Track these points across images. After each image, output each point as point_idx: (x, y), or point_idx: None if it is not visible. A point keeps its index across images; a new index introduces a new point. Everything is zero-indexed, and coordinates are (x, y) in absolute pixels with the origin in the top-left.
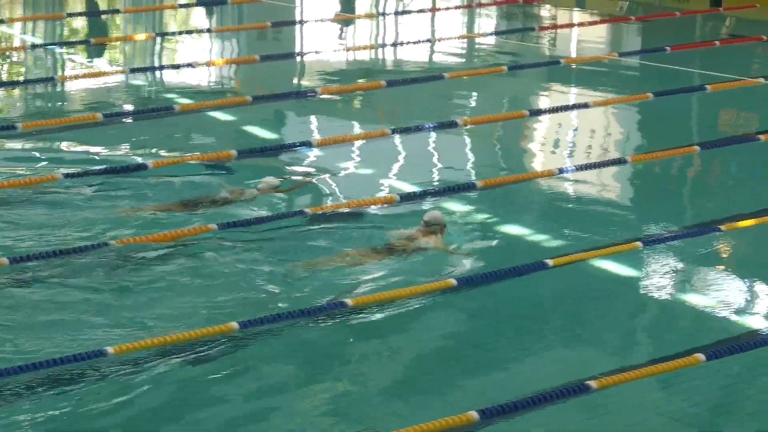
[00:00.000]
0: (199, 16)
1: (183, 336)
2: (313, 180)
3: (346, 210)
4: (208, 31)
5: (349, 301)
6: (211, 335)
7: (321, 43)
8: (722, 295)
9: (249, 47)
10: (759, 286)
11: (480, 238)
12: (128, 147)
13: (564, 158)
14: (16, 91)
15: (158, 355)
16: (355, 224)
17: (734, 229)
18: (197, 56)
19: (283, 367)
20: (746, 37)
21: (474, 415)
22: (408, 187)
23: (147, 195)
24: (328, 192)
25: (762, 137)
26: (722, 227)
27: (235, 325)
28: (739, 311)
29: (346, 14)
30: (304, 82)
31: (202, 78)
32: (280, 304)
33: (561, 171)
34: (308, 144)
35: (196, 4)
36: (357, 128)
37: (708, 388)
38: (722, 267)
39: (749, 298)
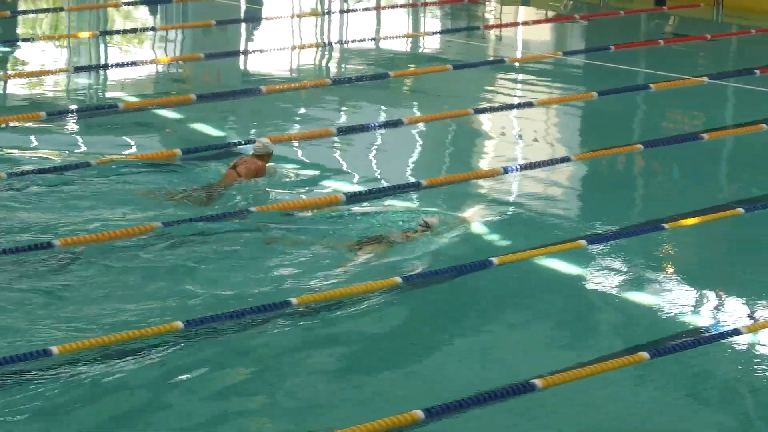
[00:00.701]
0: (143, 14)
1: (128, 335)
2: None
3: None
4: (153, 29)
5: (294, 300)
6: (155, 335)
7: (266, 41)
8: (666, 293)
9: (194, 45)
10: (702, 285)
11: (425, 237)
12: (73, 145)
13: (509, 157)
14: None
15: (103, 354)
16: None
17: (678, 227)
18: (142, 54)
19: (224, 367)
20: (690, 36)
21: (419, 413)
22: (353, 187)
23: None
24: (273, 190)
25: (706, 136)
26: (667, 225)
27: (179, 324)
28: (682, 309)
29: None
30: (249, 80)
31: (146, 76)
32: (226, 303)
33: (506, 170)
34: (253, 142)
35: (141, 2)
36: (302, 127)
37: (652, 386)
38: (667, 265)
39: (693, 296)
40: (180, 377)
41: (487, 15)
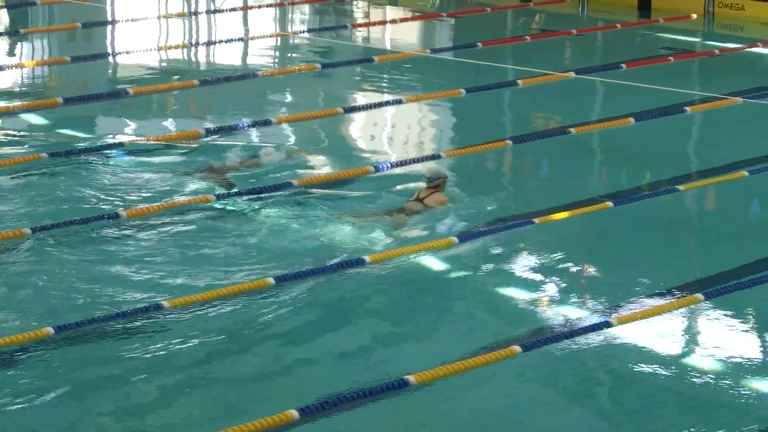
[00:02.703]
0: (6, 18)
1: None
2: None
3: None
4: (17, 32)
5: (166, 303)
6: (24, 341)
7: (132, 43)
8: (537, 287)
9: (59, 48)
10: (573, 278)
11: (297, 238)
12: None
13: (379, 155)
14: None
15: None
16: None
17: (548, 221)
18: (6, 58)
19: (92, 372)
20: (556, 31)
21: (294, 413)
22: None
23: None
24: (138, 192)
25: (574, 130)
26: (536, 220)
27: (50, 330)
28: (553, 303)
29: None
30: (116, 83)
31: (11, 80)
32: (101, 306)
33: (377, 168)
34: (120, 145)
35: (4, 6)
36: (170, 128)
37: (523, 380)
38: (537, 260)
39: (563, 290)
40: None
41: (355, 14)
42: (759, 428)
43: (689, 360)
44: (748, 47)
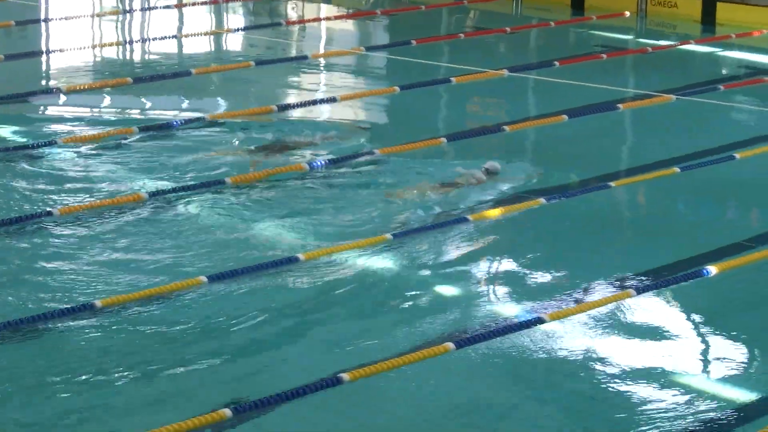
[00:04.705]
0: None
1: None
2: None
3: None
4: None
5: (98, 303)
6: None
7: (66, 41)
8: (470, 283)
9: None
10: (505, 274)
11: (230, 235)
12: None
13: (315, 152)
14: None
15: None
16: None
17: (482, 219)
18: None
19: (27, 368)
20: (490, 29)
21: (227, 412)
22: (158, 185)
23: None
24: (75, 189)
25: (507, 128)
26: (470, 217)
27: None
28: (486, 299)
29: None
30: (50, 81)
31: None
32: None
33: (311, 165)
34: (54, 143)
35: None
36: (104, 126)
37: (457, 377)
38: (470, 257)
39: (496, 286)
40: None
41: (289, 11)
42: (689, 426)
43: (621, 356)
44: (681, 44)
